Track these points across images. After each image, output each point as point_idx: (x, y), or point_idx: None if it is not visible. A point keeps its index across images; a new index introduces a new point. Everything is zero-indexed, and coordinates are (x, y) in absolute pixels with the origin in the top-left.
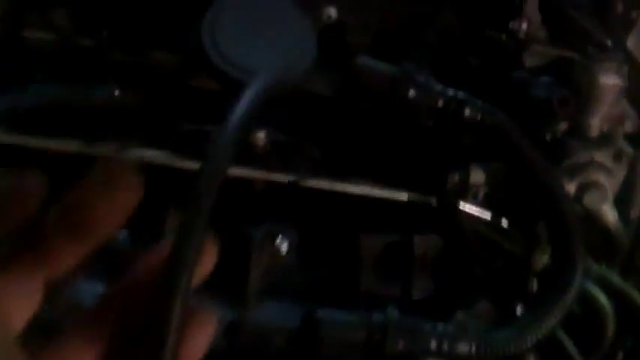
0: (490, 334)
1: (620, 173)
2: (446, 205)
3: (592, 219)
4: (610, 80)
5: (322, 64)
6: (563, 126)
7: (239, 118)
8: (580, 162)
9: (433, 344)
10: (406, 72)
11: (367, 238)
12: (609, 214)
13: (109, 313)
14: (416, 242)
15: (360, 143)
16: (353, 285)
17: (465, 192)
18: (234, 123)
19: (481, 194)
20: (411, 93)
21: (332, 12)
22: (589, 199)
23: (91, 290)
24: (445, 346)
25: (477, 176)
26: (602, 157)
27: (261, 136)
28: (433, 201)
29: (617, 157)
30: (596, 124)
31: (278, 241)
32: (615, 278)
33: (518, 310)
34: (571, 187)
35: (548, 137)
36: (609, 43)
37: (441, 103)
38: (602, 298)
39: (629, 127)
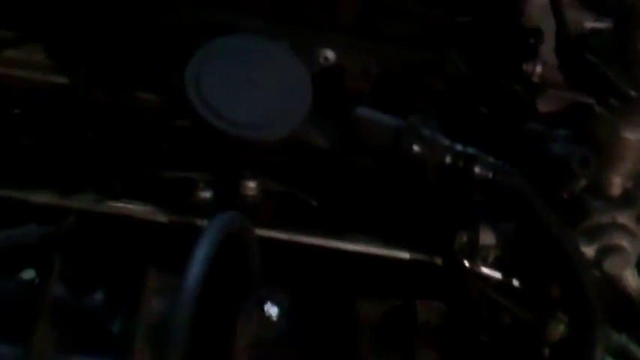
0: None
1: None
2: (452, 266)
3: (612, 284)
4: (634, 135)
5: (318, 113)
6: (582, 183)
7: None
8: (601, 223)
9: None
10: (410, 125)
11: (366, 303)
12: (631, 279)
13: None
14: (419, 308)
15: (360, 197)
16: (350, 356)
17: (474, 253)
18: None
19: (491, 257)
20: (416, 148)
21: (329, 54)
22: (610, 264)
23: None
24: None
25: (487, 237)
26: (624, 218)
27: (251, 185)
28: (438, 261)
29: None
30: (618, 182)
31: (267, 307)
32: (637, 350)
33: None
34: (590, 251)
35: (565, 195)
36: (633, 93)
37: (449, 159)
38: None
39: None
